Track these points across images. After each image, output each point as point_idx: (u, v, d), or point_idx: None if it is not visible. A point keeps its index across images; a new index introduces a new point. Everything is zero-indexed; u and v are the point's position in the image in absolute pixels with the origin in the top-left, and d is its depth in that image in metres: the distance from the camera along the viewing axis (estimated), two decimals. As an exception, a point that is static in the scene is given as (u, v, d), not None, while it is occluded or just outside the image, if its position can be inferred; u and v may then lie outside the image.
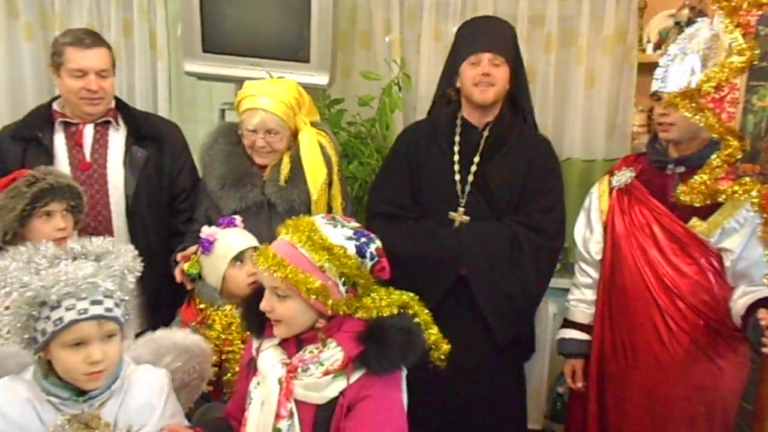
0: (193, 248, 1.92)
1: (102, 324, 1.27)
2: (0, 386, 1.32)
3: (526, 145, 2.15)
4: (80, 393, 1.31)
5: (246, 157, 2.10)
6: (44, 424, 1.29)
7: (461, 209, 2.13)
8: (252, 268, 1.84)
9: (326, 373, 1.33)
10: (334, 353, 1.34)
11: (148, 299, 2.24)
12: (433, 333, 1.38)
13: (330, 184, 2.09)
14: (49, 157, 2.14)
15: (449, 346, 1.38)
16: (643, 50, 2.88)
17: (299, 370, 1.35)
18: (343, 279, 1.34)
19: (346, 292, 1.36)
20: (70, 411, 1.31)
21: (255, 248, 1.86)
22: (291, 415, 1.34)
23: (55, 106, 2.21)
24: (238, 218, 1.93)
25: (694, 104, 1.54)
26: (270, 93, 2.05)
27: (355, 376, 1.31)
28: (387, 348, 1.30)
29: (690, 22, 2.64)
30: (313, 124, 2.16)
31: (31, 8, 2.92)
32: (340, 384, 1.32)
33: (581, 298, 2.12)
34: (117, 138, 2.23)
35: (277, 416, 1.35)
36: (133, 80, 2.96)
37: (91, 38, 2.15)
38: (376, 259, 1.38)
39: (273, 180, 2.06)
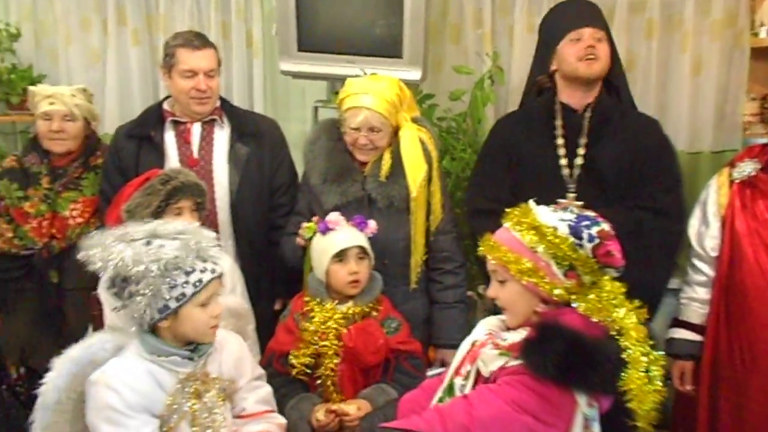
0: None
1: (221, 283, 1.48)
2: (121, 365, 1.41)
3: (631, 125, 2.06)
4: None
5: (347, 152, 2.11)
6: (163, 388, 1.41)
7: (571, 195, 2.04)
8: (354, 266, 1.85)
9: (496, 347, 1.37)
10: (516, 335, 1.37)
11: (248, 290, 2.32)
12: (636, 378, 1.23)
13: (429, 180, 2.07)
14: (161, 154, 2.25)
15: (652, 409, 1.23)
16: (756, 34, 2.69)
17: (491, 340, 1.41)
18: (556, 261, 1.35)
19: (565, 276, 1.35)
20: (183, 370, 1.43)
21: (361, 248, 1.88)
22: (467, 377, 1.41)
23: (166, 105, 2.33)
24: (372, 223, 1.93)
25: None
26: (372, 91, 2.05)
27: (516, 362, 1.32)
28: (540, 349, 1.26)
29: (810, 1, 2.45)
30: (414, 120, 2.15)
31: (139, 15, 3.07)
32: (501, 362, 1.34)
33: (694, 296, 2.01)
34: (222, 135, 2.31)
35: (456, 372, 1.45)
36: (231, 80, 3.06)
37: (200, 40, 2.24)
38: (597, 241, 1.34)
39: (373, 176, 2.06)
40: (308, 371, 1.83)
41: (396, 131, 2.10)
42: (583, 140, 2.05)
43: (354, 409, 1.75)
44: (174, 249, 1.38)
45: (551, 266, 1.35)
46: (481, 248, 1.45)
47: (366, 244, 1.90)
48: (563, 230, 1.35)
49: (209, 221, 2.25)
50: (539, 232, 1.35)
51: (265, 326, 2.22)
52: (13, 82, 2.97)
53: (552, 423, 1.28)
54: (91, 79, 3.13)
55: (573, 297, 1.35)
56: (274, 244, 2.26)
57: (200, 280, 1.41)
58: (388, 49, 2.55)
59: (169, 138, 2.29)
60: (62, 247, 2.35)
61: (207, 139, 2.30)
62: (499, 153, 2.21)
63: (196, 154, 2.29)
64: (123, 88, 3.12)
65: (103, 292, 1.76)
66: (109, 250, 1.37)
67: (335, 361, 1.82)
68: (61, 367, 1.41)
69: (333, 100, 2.83)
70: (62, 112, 2.38)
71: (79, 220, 2.37)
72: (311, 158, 2.15)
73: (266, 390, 1.66)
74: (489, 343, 1.41)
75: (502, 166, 2.17)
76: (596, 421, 1.32)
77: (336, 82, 2.89)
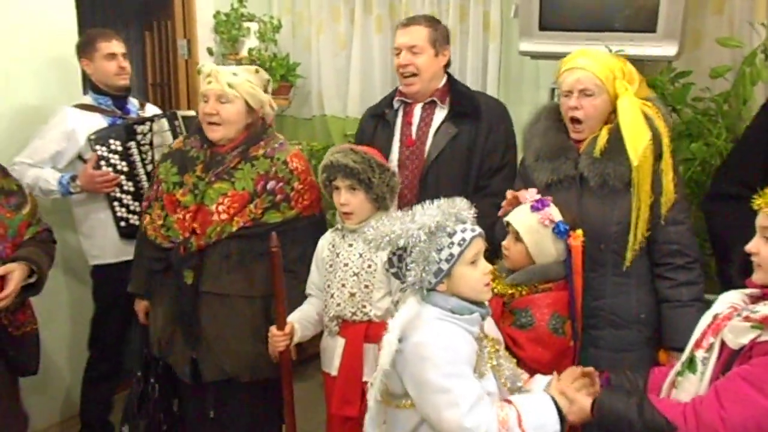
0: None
1: (483, 241, 1.51)
2: (442, 327, 1.46)
3: None
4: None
5: (564, 132, 2.02)
6: (471, 346, 1.48)
7: None
8: (506, 242, 1.85)
9: (746, 319, 1.30)
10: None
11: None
12: None
13: (659, 156, 1.88)
14: (391, 133, 2.34)
15: None
16: None
17: (736, 313, 1.35)
18: None
19: None
20: (475, 330, 1.50)
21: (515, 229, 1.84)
22: (710, 349, 1.37)
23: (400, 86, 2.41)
24: (548, 211, 1.84)
25: None
26: (589, 54, 1.95)
27: None
28: None
29: None
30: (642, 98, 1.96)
31: (383, 2, 3.25)
32: (752, 335, 1.28)
33: None
34: (440, 117, 2.32)
35: (697, 345, 1.40)
36: (465, 63, 3.09)
37: (410, 19, 2.31)
38: None
39: (588, 153, 1.93)
40: None
41: (614, 108, 1.94)
42: None
43: None
44: (434, 215, 1.46)
45: None
46: (757, 200, 1.37)
47: (520, 227, 1.82)
48: None
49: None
50: None
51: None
52: (273, 69, 3.33)
53: None
54: (337, 65, 3.40)
55: None
56: None
57: (464, 239, 1.47)
58: (641, 23, 2.34)
59: (399, 118, 2.37)
60: (200, 246, 2.07)
61: (426, 121, 2.32)
62: (760, 134, 1.96)
63: (414, 136, 2.32)
64: (365, 73, 3.33)
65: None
66: (380, 228, 1.48)
67: None
68: (397, 326, 1.46)
69: (572, 81, 2.71)
70: (216, 92, 2.07)
71: (224, 216, 2.07)
72: (528, 138, 2.10)
73: None
74: (735, 315, 1.35)
75: (760, 148, 1.92)
76: None
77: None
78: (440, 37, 2.31)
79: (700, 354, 1.38)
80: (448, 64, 2.38)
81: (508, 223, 1.87)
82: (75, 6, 2.80)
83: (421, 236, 1.43)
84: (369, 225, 1.56)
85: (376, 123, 2.40)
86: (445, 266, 1.46)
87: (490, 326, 1.65)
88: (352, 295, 1.97)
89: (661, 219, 1.88)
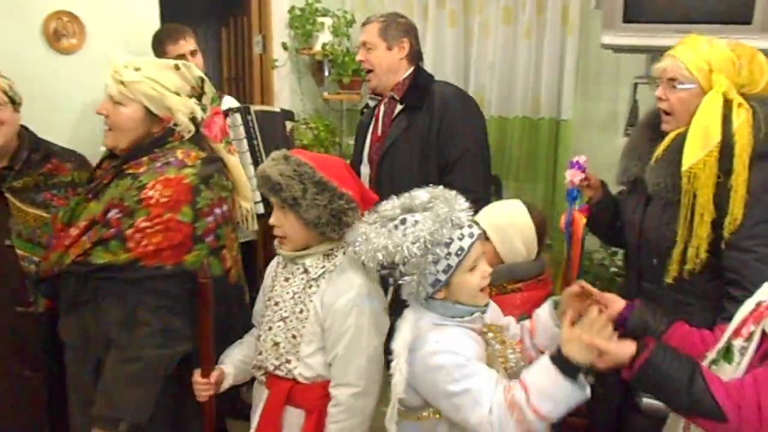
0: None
1: (483, 242, 1.49)
2: (443, 334, 1.43)
3: None
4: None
5: (653, 128, 1.84)
6: (477, 343, 1.47)
7: None
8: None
9: None
10: None
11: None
12: None
13: (728, 171, 1.61)
14: (367, 128, 2.40)
15: None
16: None
17: None
18: None
19: None
20: (478, 326, 1.49)
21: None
22: (749, 338, 1.28)
23: None
24: (576, 173, 1.89)
25: None
26: (691, 42, 1.75)
27: None
28: None
29: None
30: (751, 97, 1.70)
31: (458, -3, 3.20)
32: None
33: None
34: (398, 110, 2.31)
35: (736, 333, 1.32)
36: (542, 57, 3.00)
37: (368, 18, 2.36)
38: None
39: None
40: None
41: None
42: None
43: None
44: (428, 224, 1.37)
45: None
46: None
47: (486, 225, 1.78)
48: None
49: None
50: None
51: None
52: (345, 64, 3.34)
53: None
54: (409, 60, 3.36)
55: None
56: None
57: (461, 248, 1.40)
58: (735, 13, 2.23)
59: (378, 113, 2.38)
60: (45, 272, 1.73)
61: (388, 115, 2.33)
62: None
63: (379, 132, 2.33)
64: (438, 68, 3.26)
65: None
66: (371, 242, 1.40)
67: None
68: (403, 348, 1.42)
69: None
70: (108, 90, 1.70)
71: (67, 242, 1.67)
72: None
73: None
74: None
75: None
76: None
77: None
78: (394, 30, 2.31)
79: (738, 343, 1.28)
80: (415, 57, 2.35)
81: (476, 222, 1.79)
82: (158, 4, 2.89)
83: (414, 251, 1.36)
84: (355, 236, 1.43)
85: (362, 120, 2.49)
86: (443, 277, 1.41)
87: (491, 312, 1.57)
88: (276, 344, 1.60)
89: (723, 242, 1.65)
